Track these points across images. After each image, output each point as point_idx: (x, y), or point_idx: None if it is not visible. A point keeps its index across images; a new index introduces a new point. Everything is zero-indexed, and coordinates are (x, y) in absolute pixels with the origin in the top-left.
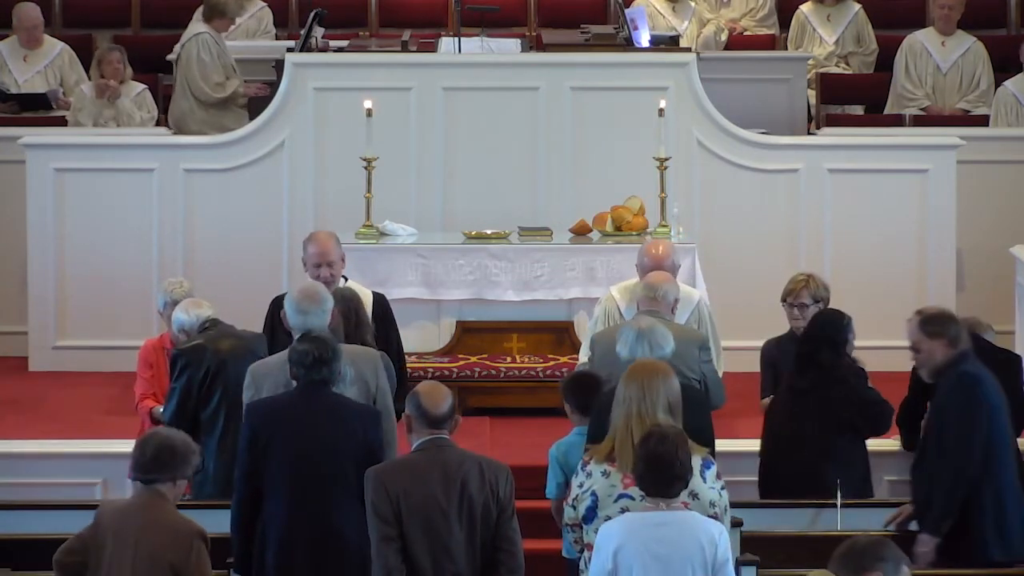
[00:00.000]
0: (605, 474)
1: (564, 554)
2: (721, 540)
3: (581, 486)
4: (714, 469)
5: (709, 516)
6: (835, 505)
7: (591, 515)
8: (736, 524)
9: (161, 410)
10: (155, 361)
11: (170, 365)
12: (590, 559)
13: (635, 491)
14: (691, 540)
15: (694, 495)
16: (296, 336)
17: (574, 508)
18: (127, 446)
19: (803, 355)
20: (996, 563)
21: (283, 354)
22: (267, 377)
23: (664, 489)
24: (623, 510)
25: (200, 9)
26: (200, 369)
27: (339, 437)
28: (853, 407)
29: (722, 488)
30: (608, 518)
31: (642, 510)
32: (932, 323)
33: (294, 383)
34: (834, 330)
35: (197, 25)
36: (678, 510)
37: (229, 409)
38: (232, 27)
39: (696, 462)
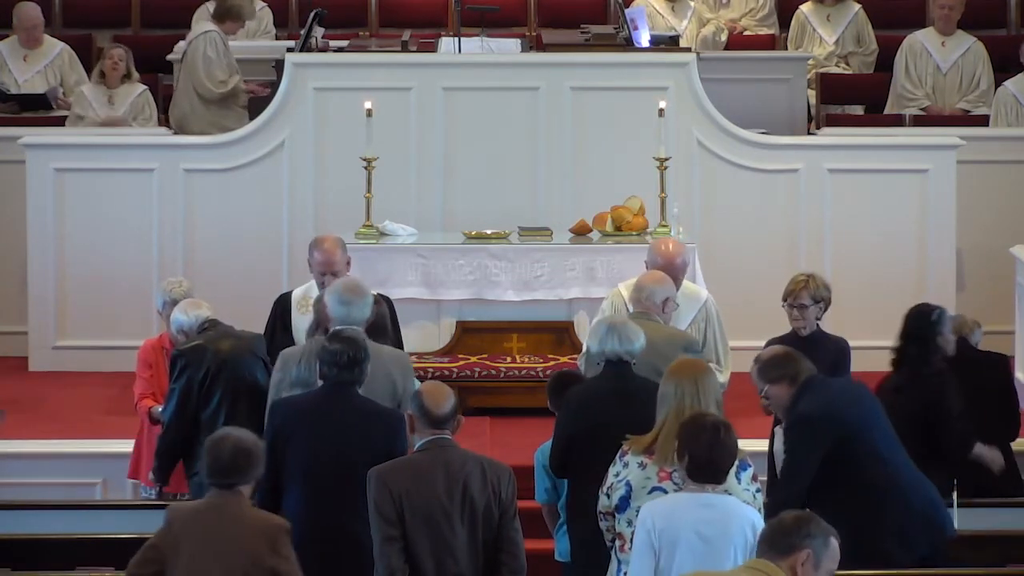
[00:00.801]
0: (641, 466)
1: (557, 557)
2: (759, 525)
3: (617, 475)
4: (750, 471)
5: None
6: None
7: (624, 505)
8: None
9: (160, 409)
10: (154, 361)
11: (170, 366)
12: (620, 548)
13: (669, 485)
14: (735, 523)
15: (726, 493)
16: (334, 328)
17: (608, 497)
18: (127, 446)
19: (895, 351)
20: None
21: (311, 343)
22: (292, 363)
23: (716, 476)
24: None
25: (205, 7)
26: (200, 369)
27: (361, 440)
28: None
29: (757, 491)
30: (640, 509)
31: (691, 491)
32: (770, 368)
33: (320, 382)
34: (920, 325)
35: (205, 24)
36: (721, 494)
37: (229, 409)
38: (241, 30)
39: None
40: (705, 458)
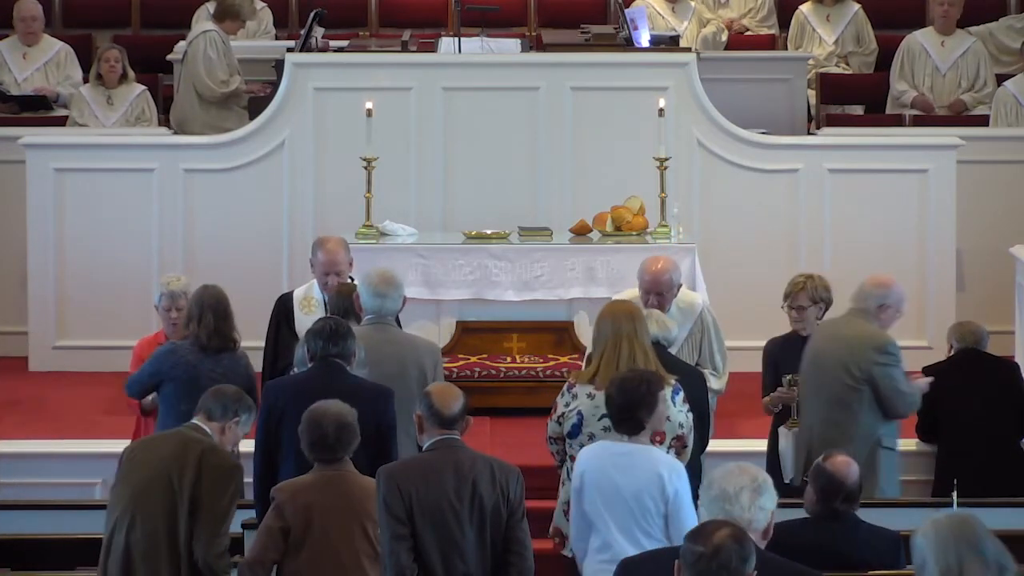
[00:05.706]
0: (590, 396)
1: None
2: (672, 475)
3: (567, 405)
4: (682, 395)
5: (678, 435)
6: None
7: (576, 431)
8: None
9: (151, 399)
10: (149, 357)
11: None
12: (571, 468)
13: None
14: (647, 470)
15: (667, 417)
16: (366, 318)
17: (559, 424)
18: (126, 446)
19: None
20: None
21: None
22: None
23: (625, 428)
24: (606, 428)
25: (206, 7)
26: None
27: None
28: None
29: (688, 411)
30: (592, 434)
31: (615, 439)
32: None
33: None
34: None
35: (206, 23)
36: (641, 444)
37: None
38: (241, 30)
39: (668, 391)
40: (608, 411)
